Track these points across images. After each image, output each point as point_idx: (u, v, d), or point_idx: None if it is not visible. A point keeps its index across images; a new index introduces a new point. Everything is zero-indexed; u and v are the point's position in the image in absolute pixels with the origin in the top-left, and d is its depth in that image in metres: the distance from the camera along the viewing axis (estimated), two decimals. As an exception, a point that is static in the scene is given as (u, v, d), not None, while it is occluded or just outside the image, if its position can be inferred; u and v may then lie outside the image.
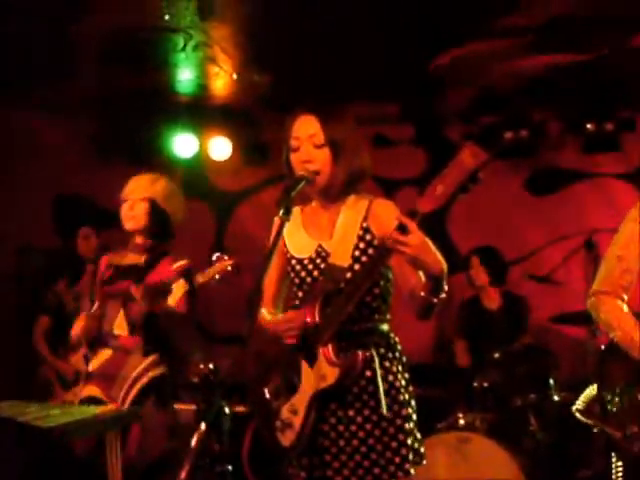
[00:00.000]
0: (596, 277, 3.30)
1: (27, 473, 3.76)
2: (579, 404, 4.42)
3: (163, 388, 3.98)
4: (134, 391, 3.87)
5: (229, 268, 4.04)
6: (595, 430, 4.49)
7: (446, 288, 2.63)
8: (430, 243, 2.51)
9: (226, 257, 4.10)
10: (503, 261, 5.96)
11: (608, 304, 3.19)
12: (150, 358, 3.94)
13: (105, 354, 3.95)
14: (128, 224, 4.03)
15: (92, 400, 3.81)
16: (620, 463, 3.14)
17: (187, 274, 3.84)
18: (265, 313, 2.98)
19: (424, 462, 2.85)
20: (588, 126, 6.29)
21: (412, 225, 2.44)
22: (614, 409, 3.06)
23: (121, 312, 3.95)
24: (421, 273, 2.60)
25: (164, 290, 3.81)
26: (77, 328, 3.96)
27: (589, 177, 6.69)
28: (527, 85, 6.09)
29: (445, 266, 2.58)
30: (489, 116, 6.59)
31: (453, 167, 2.40)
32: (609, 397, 3.09)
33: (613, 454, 3.18)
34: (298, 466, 2.83)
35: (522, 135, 6.39)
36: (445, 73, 5.87)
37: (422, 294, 2.64)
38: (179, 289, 3.82)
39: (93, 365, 3.96)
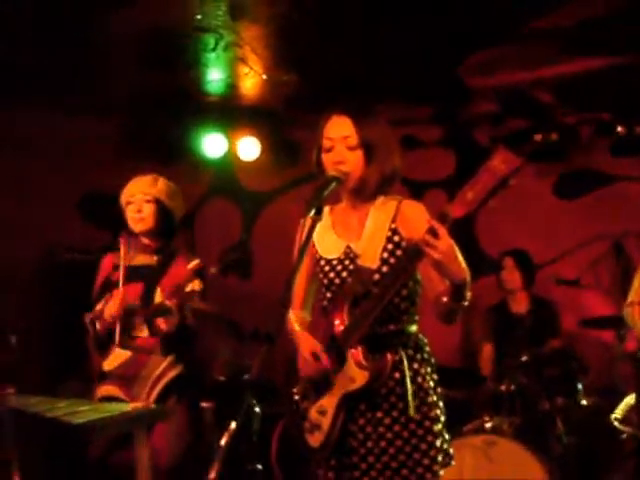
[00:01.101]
0: (631, 288, 3.31)
1: (54, 469, 3.79)
2: (618, 412, 4.41)
3: (185, 386, 3.99)
4: (156, 390, 3.90)
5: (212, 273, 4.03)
6: (624, 436, 4.47)
7: (469, 296, 2.64)
8: (457, 250, 2.53)
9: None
10: (533, 264, 5.93)
11: None
12: (170, 357, 3.96)
13: (122, 354, 3.96)
14: (137, 226, 4.07)
15: (111, 400, 3.83)
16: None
17: (201, 273, 3.86)
18: (293, 319, 2.98)
19: (453, 463, 2.85)
20: (619, 129, 6.25)
21: (442, 230, 2.45)
22: None
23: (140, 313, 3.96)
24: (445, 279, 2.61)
25: (187, 299, 3.83)
26: (114, 306, 3.92)
27: (618, 180, 6.64)
28: (557, 88, 6.05)
29: (469, 275, 2.59)
30: (519, 119, 6.56)
31: (484, 173, 2.40)
32: None
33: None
34: (326, 467, 2.85)
35: (552, 138, 6.35)
36: (475, 76, 5.85)
37: (445, 299, 2.65)
38: (195, 286, 3.85)
39: (109, 365, 3.98)
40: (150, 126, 6.49)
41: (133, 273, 4.04)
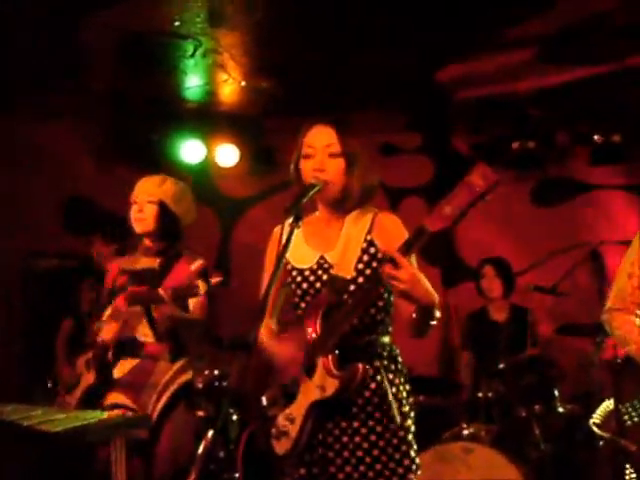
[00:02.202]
0: (609, 295, 3.34)
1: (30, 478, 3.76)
2: (596, 418, 4.43)
3: (192, 393, 3.95)
4: (165, 398, 3.84)
5: (216, 282, 3.96)
6: (602, 443, 4.49)
7: (438, 316, 2.67)
8: (421, 276, 2.56)
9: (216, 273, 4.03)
10: (513, 272, 5.95)
11: (620, 319, 3.24)
12: (178, 364, 3.92)
13: (130, 362, 3.90)
14: (138, 227, 3.98)
15: (118, 407, 3.74)
16: (635, 476, 3.15)
17: (205, 274, 3.79)
18: (265, 333, 2.96)
19: (419, 472, 2.85)
20: (596, 138, 6.29)
21: (403, 261, 2.48)
22: (630, 423, 3.07)
23: (144, 319, 3.91)
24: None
25: (187, 293, 3.78)
26: (109, 333, 3.88)
27: (596, 189, 6.69)
28: (535, 97, 6.09)
29: (436, 298, 2.63)
30: (497, 127, 6.59)
31: (462, 188, 2.42)
32: (625, 411, 3.10)
33: (627, 466, 3.19)
34: (293, 475, 2.83)
35: (529, 146, 6.39)
36: (453, 83, 5.88)
37: (414, 316, 2.67)
38: (197, 295, 3.80)
39: (117, 373, 3.90)
40: (129, 132, 6.47)
41: (135, 278, 3.96)
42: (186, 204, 4.13)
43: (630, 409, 3.12)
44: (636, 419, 3.11)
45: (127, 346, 3.91)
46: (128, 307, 3.87)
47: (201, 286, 3.76)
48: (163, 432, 3.77)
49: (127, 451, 3.40)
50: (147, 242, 4.03)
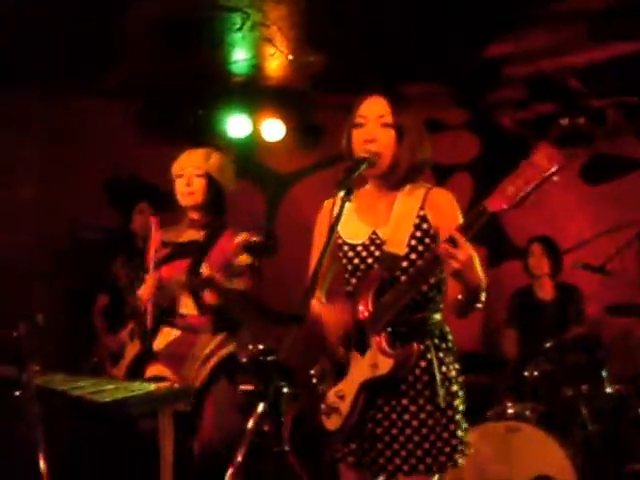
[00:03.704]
0: None
1: (80, 448, 3.79)
2: None
3: (233, 366, 3.96)
4: (205, 370, 3.85)
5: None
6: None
7: (484, 299, 2.66)
8: (477, 259, 2.52)
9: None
10: (560, 251, 5.89)
11: None
12: (219, 337, 3.92)
13: (171, 333, 3.91)
14: (185, 200, 3.98)
15: (159, 379, 3.77)
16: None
17: (249, 247, 3.77)
18: (316, 306, 2.96)
19: (470, 451, 2.83)
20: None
21: (462, 240, 2.44)
22: None
23: (187, 292, 3.90)
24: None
25: (235, 272, 3.78)
26: (145, 291, 3.89)
27: (645, 166, 6.58)
28: (584, 72, 5.99)
29: (485, 283, 2.62)
30: (545, 104, 6.50)
31: (527, 168, 2.35)
32: None
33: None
34: (346, 451, 2.83)
35: (579, 122, 6.29)
36: (501, 59, 5.80)
37: (460, 298, 2.66)
38: (244, 272, 3.80)
39: (158, 344, 3.92)
40: (174, 106, 6.48)
41: (180, 250, 3.97)
42: (230, 176, 4.14)
43: None
44: None
45: (168, 316, 3.92)
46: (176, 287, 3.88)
47: (246, 259, 3.76)
48: (206, 405, 3.79)
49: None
50: (193, 215, 4.02)
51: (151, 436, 3.48)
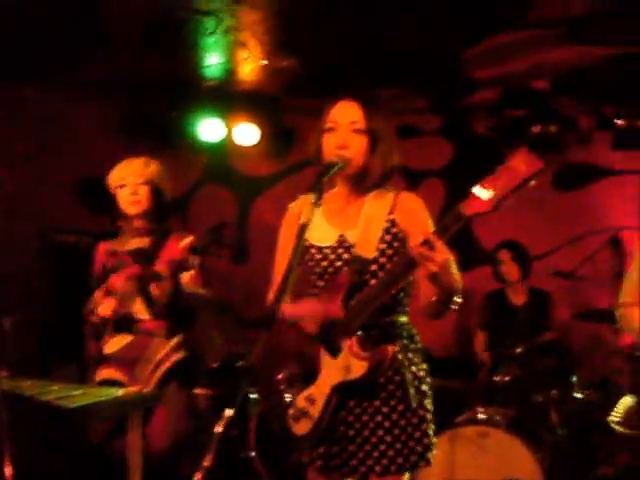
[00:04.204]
0: (622, 289, 3.27)
1: (47, 453, 3.77)
2: (616, 415, 4.39)
3: (186, 371, 3.97)
4: (158, 374, 3.87)
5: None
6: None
7: (458, 302, 2.68)
8: (453, 262, 2.53)
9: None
10: (529, 256, 5.93)
11: (637, 314, 3.16)
12: (173, 341, 3.94)
13: (124, 338, 3.92)
14: (132, 208, 4.01)
15: (111, 383, 3.80)
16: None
17: (195, 250, 3.79)
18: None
19: (434, 452, 2.84)
20: (619, 122, 6.22)
21: (438, 243, 2.43)
22: None
23: (138, 297, 3.93)
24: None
25: (182, 267, 3.80)
26: (107, 309, 3.92)
27: (617, 174, 6.62)
28: (557, 79, 6.02)
29: (460, 285, 2.64)
30: (517, 110, 6.53)
31: (504, 173, 2.34)
32: None
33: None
34: (312, 454, 2.83)
35: (551, 130, 6.33)
36: (474, 64, 5.82)
37: (434, 300, 2.67)
38: (189, 270, 3.82)
39: (111, 348, 3.94)
40: (147, 110, 6.46)
41: (127, 258, 4.01)
42: (168, 182, 4.18)
43: None
44: None
45: (122, 323, 3.93)
46: (129, 287, 3.90)
47: (193, 260, 3.78)
48: (157, 410, 3.79)
49: (122, 428, 3.43)
50: (137, 223, 4.06)
51: (119, 442, 3.47)
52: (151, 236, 4.05)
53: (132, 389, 3.53)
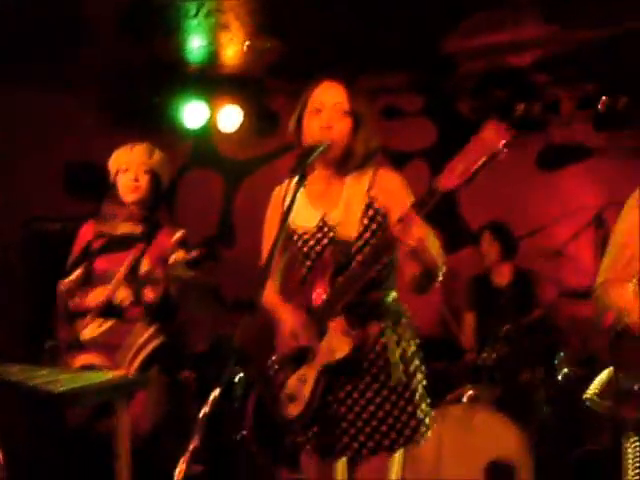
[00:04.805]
0: (601, 267, 3.27)
1: (35, 437, 3.77)
2: (593, 389, 4.41)
3: (166, 356, 3.97)
4: (138, 359, 3.86)
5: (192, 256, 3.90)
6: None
7: (441, 278, 2.70)
8: (432, 236, 2.53)
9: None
10: (514, 237, 5.95)
11: (618, 291, 3.17)
12: (153, 326, 3.93)
13: (104, 323, 3.91)
14: (130, 196, 4.00)
15: (90, 369, 3.78)
16: (636, 441, 3.12)
17: (185, 244, 3.83)
18: (269, 295, 2.95)
19: (434, 425, 2.86)
20: (600, 102, 6.24)
21: (416, 219, 2.44)
22: (630, 391, 3.04)
23: (123, 282, 3.92)
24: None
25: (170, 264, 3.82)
26: (96, 298, 3.92)
27: (600, 153, 6.64)
28: (539, 60, 6.03)
29: (443, 261, 2.65)
30: (500, 91, 6.53)
31: (475, 145, 2.35)
32: (624, 379, 3.07)
33: (626, 432, 3.16)
34: (306, 435, 2.84)
35: (534, 109, 6.34)
36: (457, 46, 5.82)
37: (417, 274, 2.69)
38: (179, 256, 3.83)
39: (89, 334, 3.92)
40: (130, 95, 6.43)
41: (117, 242, 3.99)
42: (169, 172, 4.21)
43: (630, 377, 3.08)
44: (636, 387, 3.08)
45: (106, 309, 3.92)
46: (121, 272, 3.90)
47: (181, 255, 3.80)
48: (137, 395, 3.77)
49: (105, 411, 3.43)
50: (133, 209, 4.04)
51: (102, 425, 3.48)
52: (143, 224, 4.04)
53: (119, 373, 3.54)
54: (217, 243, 3.84)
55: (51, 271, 5.84)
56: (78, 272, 4.01)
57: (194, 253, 3.76)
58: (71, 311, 4.00)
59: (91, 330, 3.93)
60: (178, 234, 3.81)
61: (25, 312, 6.02)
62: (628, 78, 6.19)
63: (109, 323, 3.91)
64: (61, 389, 3.13)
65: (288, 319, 2.86)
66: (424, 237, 2.49)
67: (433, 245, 2.58)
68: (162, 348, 3.95)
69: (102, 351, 3.88)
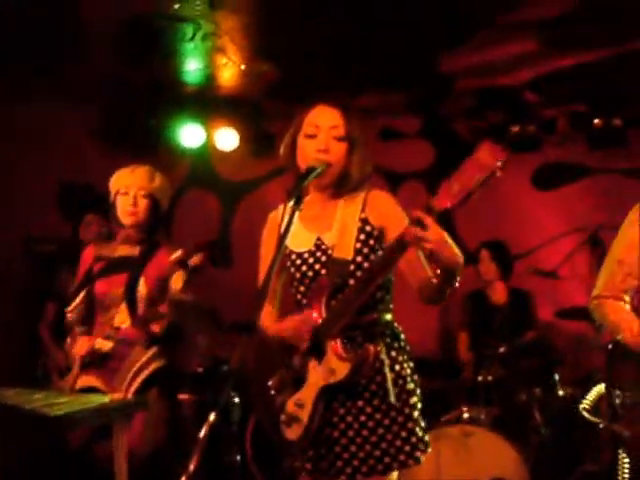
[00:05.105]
0: (597, 282, 3.29)
1: (33, 461, 3.76)
2: (586, 403, 4.41)
3: (166, 379, 3.97)
4: (137, 382, 3.85)
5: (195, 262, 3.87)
6: (601, 427, 4.49)
7: (459, 279, 2.65)
8: (448, 237, 2.51)
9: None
10: (511, 256, 5.96)
11: (612, 306, 3.20)
12: (153, 349, 3.93)
13: (103, 345, 3.91)
14: (129, 219, 4.00)
15: (90, 391, 3.78)
16: (627, 460, 3.13)
17: (184, 264, 3.80)
18: (266, 318, 2.95)
19: (429, 450, 2.85)
20: (595, 121, 6.28)
21: (429, 220, 2.42)
22: (623, 407, 3.05)
23: (122, 305, 3.91)
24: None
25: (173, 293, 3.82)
26: (82, 348, 3.91)
27: (595, 173, 6.67)
28: (535, 81, 6.07)
29: (462, 259, 2.59)
30: (496, 112, 6.57)
31: (471, 165, 2.35)
32: (618, 395, 3.08)
33: (620, 451, 3.17)
34: (303, 458, 2.84)
35: (529, 130, 6.38)
36: (454, 68, 5.85)
37: (435, 282, 2.66)
38: (179, 280, 3.83)
39: (90, 356, 3.92)
40: (127, 116, 6.45)
41: (116, 264, 4.00)
42: (169, 196, 4.19)
43: (623, 394, 3.09)
44: (629, 404, 3.08)
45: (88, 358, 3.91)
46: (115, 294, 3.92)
47: (181, 277, 3.80)
48: (135, 418, 3.75)
49: (104, 434, 3.42)
50: (130, 232, 4.05)
51: (100, 448, 3.47)
52: (141, 245, 4.05)
53: (117, 396, 3.53)
54: (217, 246, 3.81)
55: (43, 291, 5.88)
56: (81, 296, 4.02)
57: (195, 260, 3.75)
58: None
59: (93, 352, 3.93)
60: (176, 255, 3.78)
61: (24, 334, 6.03)
62: (623, 98, 6.24)
63: (107, 345, 3.92)
64: (58, 413, 3.12)
65: (287, 321, 2.87)
66: (441, 237, 2.47)
67: (451, 244, 2.54)
68: (162, 370, 3.96)
69: (103, 373, 3.88)
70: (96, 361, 3.89)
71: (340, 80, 5.81)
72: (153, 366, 3.92)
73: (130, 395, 3.78)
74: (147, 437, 3.86)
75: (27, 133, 6.33)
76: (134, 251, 4.04)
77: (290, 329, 2.84)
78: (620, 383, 3.10)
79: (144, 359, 3.90)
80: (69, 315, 4.05)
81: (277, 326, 2.93)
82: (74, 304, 4.04)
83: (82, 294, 4.02)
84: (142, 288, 3.93)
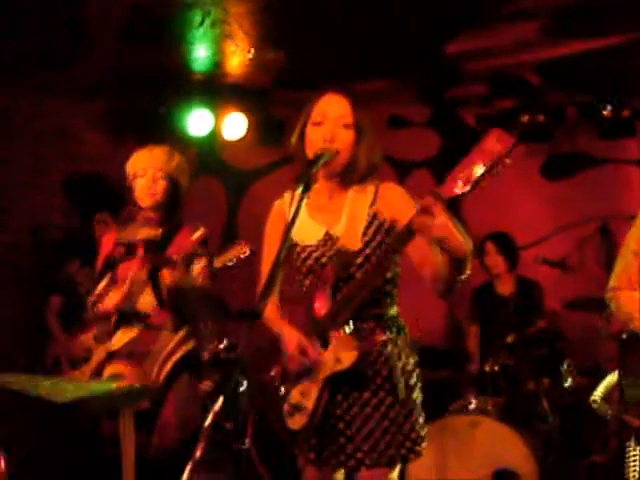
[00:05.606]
0: (613, 272, 3.29)
1: (38, 447, 3.76)
2: (597, 395, 4.42)
3: (194, 363, 3.96)
4: (167, 367, 3.82)
5: (244, 255, 3.84)
6: (608, 417, 4.49)
7: (470, 268, 2.62)
8: (457, 224, 2.49)
9: (243, 243, 3.88)
10: (517, 247, 5.93)
11: (626, 297, 3.20)
12: (180, 333, 3.90)
13: (130, 332, 3.88)
14: (147, 201, 3.94)
15: (118, 378, 3.75)
16: (637, 450, 3.13)
17: (206, 242, 3.78)
18: (270, 310, 2.94)
19: (424, 445, 2.84)
20: (605, 112, 6.24)
21: (437, 207, 2.39)
22: (634, 398, 3.05)
23: (147, 289, 3.87)
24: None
25: (191, 262, 3.79)
26: (110, 303, 3.88)
27: (605, 163, 6.64)
28: (544, 69, 6.04)
29: (471, 247, 2.56)
30: (505, 100, 6.55)
31: (478, 152, 2.34)
32: (629, 386, 3.07)
33: (629, 442, 3.17)
34: (307, 447, 2.84)
35: (539, 119, 6.34)
36: (462, 57, 5.83)
37: (446, 272, 2.63)
38: (200, 261, 3.80)
39: (117, 344, 3.89)
40: (136, 104, 6.44)
41: (138, 247, 3.95)
42: (187, 176, 4.12)
43: (635, 384, 3.09)
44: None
45: (128, 316, 3.89)
46: (139, 276, 3.86)
47: (204, 253, 3.78)
48: (167, 402, 3.77)
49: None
50: (150, 213, 4.00)
51: (112, 436, 3.46)
52: (162, 227, 3.99)
53: (124, 383, 3.52)
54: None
55: (50, 280, 5.89)
56: (104, 283, 3.96)
57: (200, 233, 3.73)
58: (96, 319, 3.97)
59: (118, 339, 3.89)
60: (198, 233, 3.74)
61: (32, 322, 6.04)
62: (633, 88, 6.20)
63: (134, 332, 3.90)
64: (64, 399, 3.11)
65: (293, 335, 2.83)
66: (448, 223, 2.43)
67: (459, 231, 2.51)
68: (191, 354, 3.93)
69: (130, 360, 3.84)
70: (122, 349, 3.87)
71: (348, 67, 5.79)
72: (182, 349, 3.89)
73: (161, 380, 3.77)
74: (179, 422, 3.83)
75: (35, 124, 6.33)
76: (155, 233, 3.98)
77: (290, 346, 2.81)
78: (632, 373, 3.10)
79: (173, 343, 3.87)
80: (90, 300, 3.99)
81: (281, 328, 2.91)
82: (97, 291, 3.98)
83: (105, 280, 3.97)
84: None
